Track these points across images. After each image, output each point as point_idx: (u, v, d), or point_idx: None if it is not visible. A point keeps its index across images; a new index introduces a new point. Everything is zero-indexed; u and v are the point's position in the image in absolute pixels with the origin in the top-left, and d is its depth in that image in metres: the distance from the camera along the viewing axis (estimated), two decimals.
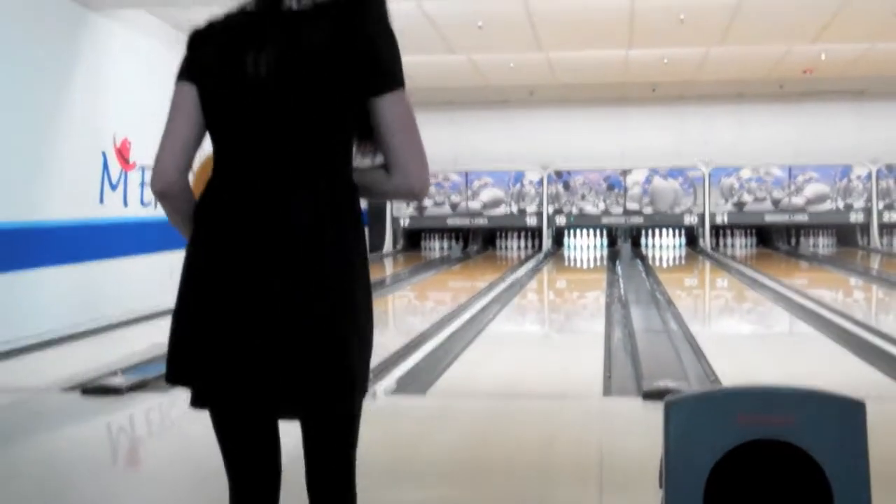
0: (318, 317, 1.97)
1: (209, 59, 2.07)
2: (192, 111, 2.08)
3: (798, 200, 17.84)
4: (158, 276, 10.52)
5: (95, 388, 5.78)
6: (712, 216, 17.95)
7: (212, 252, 2.02)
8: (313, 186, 2.00)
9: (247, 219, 1.99)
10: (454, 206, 18.31)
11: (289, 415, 2.11)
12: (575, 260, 17.06)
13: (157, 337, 8.42)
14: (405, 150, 2.05)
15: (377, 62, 2.01)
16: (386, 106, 2.01)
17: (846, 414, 2.10)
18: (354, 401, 2.07)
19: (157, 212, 11.80)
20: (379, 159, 2.09)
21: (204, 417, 2.14)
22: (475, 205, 18.31)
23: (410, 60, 2.05)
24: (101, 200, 9.59)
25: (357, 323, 2.03)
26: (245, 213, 2.00)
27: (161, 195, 2.12)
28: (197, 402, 2.09)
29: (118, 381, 5.88)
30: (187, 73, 2.09)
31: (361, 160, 2.11)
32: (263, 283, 1.97)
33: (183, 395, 2.15)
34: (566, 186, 18.25)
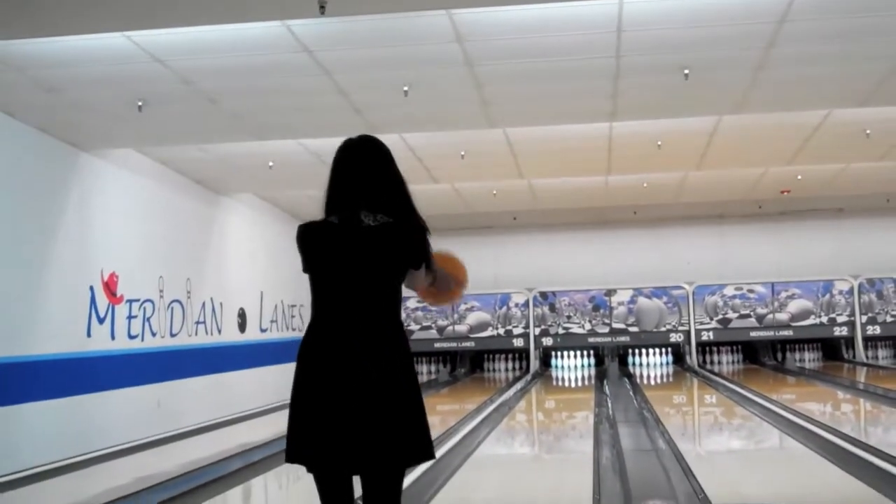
0: (389, 409, 3.16)
1: (317, 253, 3.31)
2: None
3: (782, 316, 17.99)
4: (146, 408, 10.47)
5: None
6: (698, 333, 18.07)
7: (316, 371, 3.21)
8: (381, 325, 3.27)
9: (339, 349, 3.19)
10: (441, 330, 18.40)
11: (363, 472, 3.19)
12: (563, 380, 17.04)
13: (143, 470, 8.35)
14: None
15: (418, 254, 3.37)
16: (420, 273, 3.42)
17: None
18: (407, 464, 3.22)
19: (144, 344, 11.68)
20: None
21: None
22: (462, 328, 18.41)
23: None
24: (89, 334, 9.57)
25: (411, 407, 3.22)
26: (338, 344, 3.20)
27: None
28: (311, 469, 3.21)
29: None
30: (305, 265, 3.33)
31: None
32: (353, 387, 3.15)
33: None
34: (552, 308, 18.38)
